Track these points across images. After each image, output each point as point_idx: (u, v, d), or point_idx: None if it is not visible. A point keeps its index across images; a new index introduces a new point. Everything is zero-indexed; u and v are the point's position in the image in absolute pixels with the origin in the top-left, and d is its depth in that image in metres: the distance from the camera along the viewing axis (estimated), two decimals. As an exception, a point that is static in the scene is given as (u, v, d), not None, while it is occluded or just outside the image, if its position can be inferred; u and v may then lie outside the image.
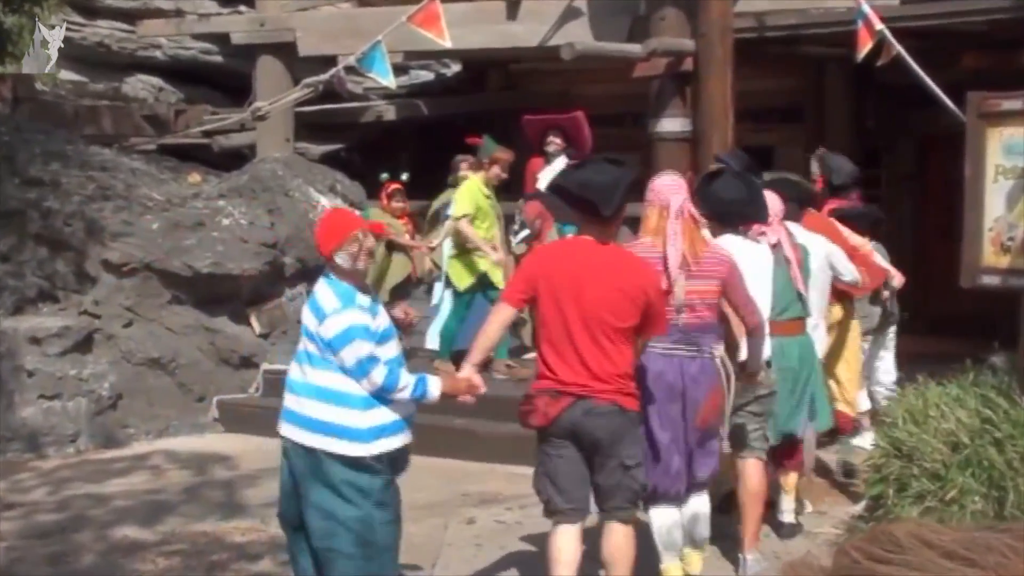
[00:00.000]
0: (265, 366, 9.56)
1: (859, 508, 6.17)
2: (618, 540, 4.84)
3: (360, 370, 4.49)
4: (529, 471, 4.94)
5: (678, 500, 5.28)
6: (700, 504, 5.38)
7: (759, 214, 5.77)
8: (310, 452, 4.58)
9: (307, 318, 4.61)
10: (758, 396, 5.61)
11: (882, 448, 5.63)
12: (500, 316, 4.87)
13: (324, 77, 10.04)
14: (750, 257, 5.61)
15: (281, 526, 4.86)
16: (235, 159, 11.93)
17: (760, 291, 5.58)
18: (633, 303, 4.73)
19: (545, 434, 4.82)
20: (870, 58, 8.44)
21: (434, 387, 4.67)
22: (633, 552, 4.89)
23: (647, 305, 4.76)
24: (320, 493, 4.58)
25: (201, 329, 9.55)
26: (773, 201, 6.03)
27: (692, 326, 5.11)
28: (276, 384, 8.89)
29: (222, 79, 13.56)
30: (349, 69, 10.07)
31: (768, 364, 5.65)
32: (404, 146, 12.53)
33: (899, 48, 8.16)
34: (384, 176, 9.52)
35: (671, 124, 9.30)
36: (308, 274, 10.11)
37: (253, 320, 9.87)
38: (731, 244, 5.58)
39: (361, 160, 12.88)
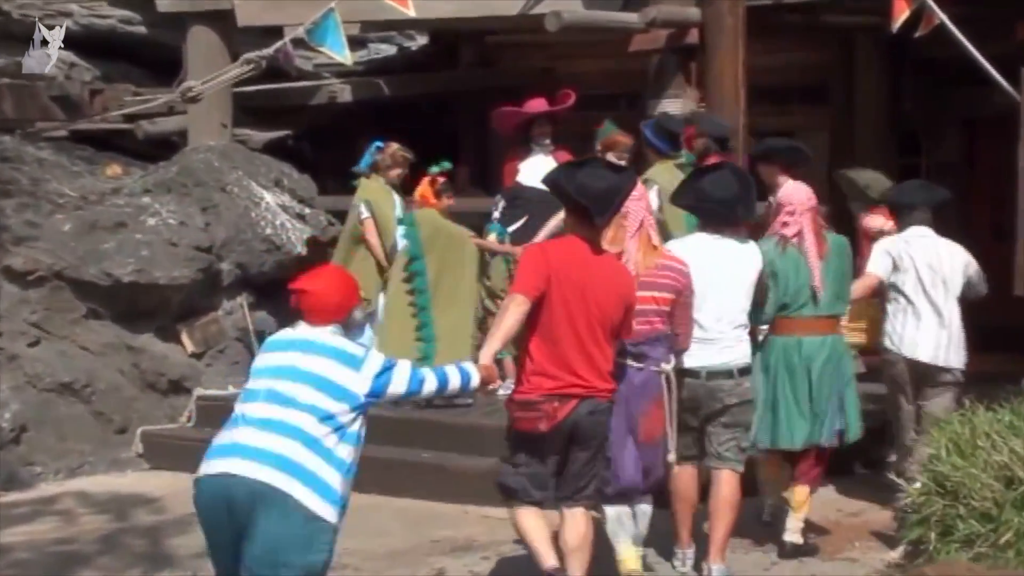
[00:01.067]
0: (198, 391, 9.54)
1: (896, 555, 6.20)
2: (582, 527, 5.59)
3: (416, 382, 4.88)
4: (507, 513, 5.01)
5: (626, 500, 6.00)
6: (642, 507, 6.03)
7: (746, 215, 6.24)
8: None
9: (332, 371, 4.68)
10: (728, 406, 6.15)
11: (922, 484, 5.63)
12: (519, 308, 5.40)
13: (268, 52, 9.99)
14: (720, 257, 6.10)
15: None
16: (162, 148, 11.90)
17: (726, 295, 6.09)
18: (619, 304, 5.52)
19: (541, 435, 5.44)
20: (907, 28, 8.47)
21: (475, 374, 5.14)
22: (592, 540, 5.60)
23: (628, 307, 5.56)
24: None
25: (122, 348, 9.53)
26: (800, 190, 6.51)
27: (641, 334, 5.77)
28: (211, 413, 8.93)
29: (146, 53, 13.52)
30: (297, 42, 10.04)
31: (746, 372, 6.16)
32: (362, 132, 12.51)
33: (942, 16, 8.17)
34: (434, 169, 9.11)
35: (673, 106, 9.33)
36: (248, 283, 10.10)
37: (184, 338, 9.85)
38: (699, 244, 6.14)
39: (311, 149, 12.87)
